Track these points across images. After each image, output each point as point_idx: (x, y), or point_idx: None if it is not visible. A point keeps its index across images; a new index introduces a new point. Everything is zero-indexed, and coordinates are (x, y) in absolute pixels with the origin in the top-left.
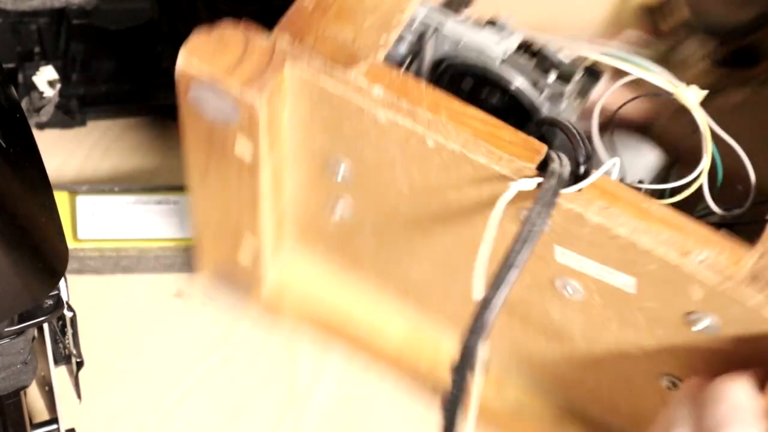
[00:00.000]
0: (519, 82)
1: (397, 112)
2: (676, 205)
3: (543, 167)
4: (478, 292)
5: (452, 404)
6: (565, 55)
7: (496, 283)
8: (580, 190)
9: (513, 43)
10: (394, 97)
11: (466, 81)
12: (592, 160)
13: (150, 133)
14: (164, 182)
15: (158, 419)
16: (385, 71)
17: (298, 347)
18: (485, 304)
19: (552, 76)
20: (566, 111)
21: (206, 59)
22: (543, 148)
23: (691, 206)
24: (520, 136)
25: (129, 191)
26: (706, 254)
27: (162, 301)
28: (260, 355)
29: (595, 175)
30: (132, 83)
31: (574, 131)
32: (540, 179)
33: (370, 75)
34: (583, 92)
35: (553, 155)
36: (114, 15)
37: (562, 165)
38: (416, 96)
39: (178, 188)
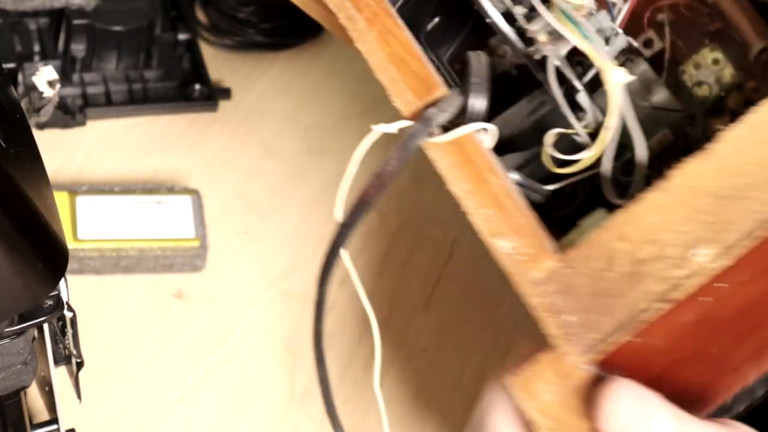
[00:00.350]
0: (493, 14)
1: (340, 11)
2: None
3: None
4: (339, 215)
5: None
6: None
7: (352, 214)
8: (435, 141)
9: None
10: None
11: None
12: (477, 117)
13: (150, 133)
14: (164, 182)
15: (158, 419)
16: None
17: (298, 347)
18: (342, 228)
19: (520, 10)
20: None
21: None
22: (437, 91)
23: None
24: (425, 71)
25: (129, 191)
26: (514, 245)
27: (162, 301)
28: (260, 355)
29: (451, 134)
30: (132, 83)
31: (474, 75)
32: (403, 124)
33: None
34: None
35: (441, 102)
36: (114, 15)
37: (440, 112)
38: (362, 2)
39: (178, 188)
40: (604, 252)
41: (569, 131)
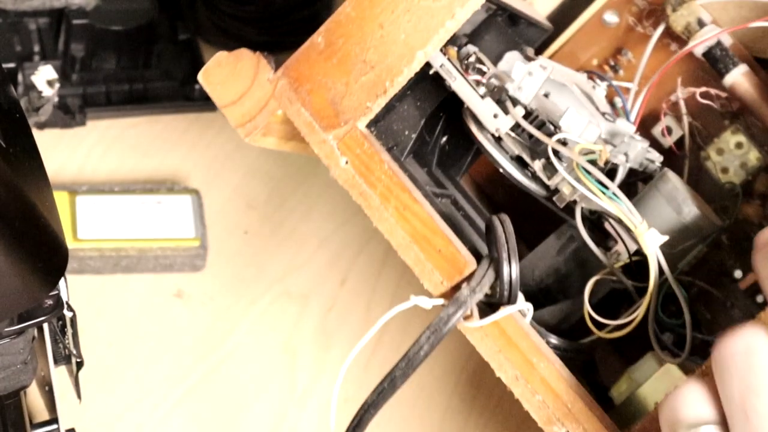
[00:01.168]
0: (506, 165)
1: (352, 188)
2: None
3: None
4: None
5: None
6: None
7: (379, 395)
8: (474, 322)
9: (508, 123)
10: (354, 174)
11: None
12: (513, 289)
13: (150, 133)
14: (164, 182)
15: (158, 419)
16: (359, 142)
17: (298, 347)
18: (367, 408)
19: (538, 164)
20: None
21: (219, 83)
22: (467, 269)
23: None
24: (451, 249)
25: (129, 191)
26: (566, 430)
27: (162, 301)
28: (260, 355)
29: (490, 319)
30: (132, 83)
31: (501, 245)
32: (438, 302)
33: (342, 144)
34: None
35: (471, 282)
36: (114, 15)
37: (473, 293)
38: (374, 178)
39: (178, 188)
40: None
41: (608, 276)
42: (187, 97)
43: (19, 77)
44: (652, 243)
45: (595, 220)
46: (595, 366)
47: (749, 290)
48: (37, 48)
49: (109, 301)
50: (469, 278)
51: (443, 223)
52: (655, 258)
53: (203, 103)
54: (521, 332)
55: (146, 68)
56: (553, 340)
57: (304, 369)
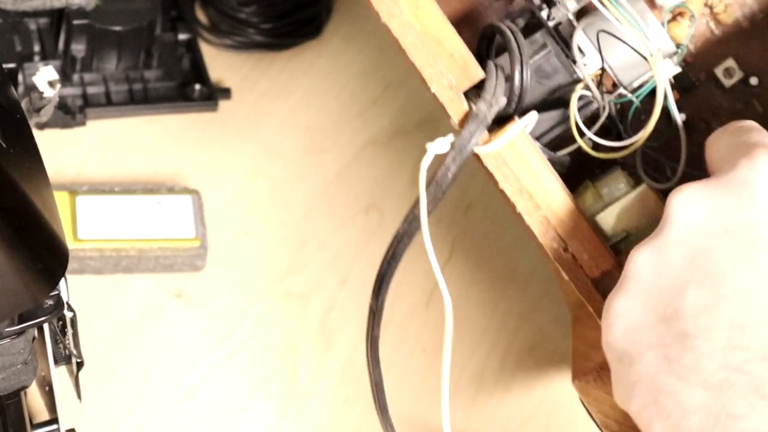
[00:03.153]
0: None
1: None
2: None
3: (481, 86)
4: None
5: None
6: None
7: (409, 224)
8: (491, 144)
9: None
10: None
11: None
12: (522, 94)
13: (150, 133)
14: (164, 182)
15: (158, 419)
16: None
17: (298, 347)
18: (400, 238)
19: None
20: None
21: None
22: (477, 77)
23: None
24: (464, 54)
25: (129, 191)
26: (570, 247)
27: (162, 301)
28: (260, 355)
29: (510, 134)
30: (132, 83)
31: (516, 56)
32: (451, 139)
33: None
34: None
35: (484, 94)
36: (114, 15)
37: (490, 106)
38: None
39: (178, 188)
40: None
41: (585, 92)
42: (187, 97)
43: (20, 77)
44: (664, 72)
45: (565, 38)
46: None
47: None
48: (37, 48)
49: (109, 301)
50: (477, 87)
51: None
52: (662, 87)
53: (203, 103)
54: (530, 146)
55: (146, 68)
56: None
57: (304, 369)
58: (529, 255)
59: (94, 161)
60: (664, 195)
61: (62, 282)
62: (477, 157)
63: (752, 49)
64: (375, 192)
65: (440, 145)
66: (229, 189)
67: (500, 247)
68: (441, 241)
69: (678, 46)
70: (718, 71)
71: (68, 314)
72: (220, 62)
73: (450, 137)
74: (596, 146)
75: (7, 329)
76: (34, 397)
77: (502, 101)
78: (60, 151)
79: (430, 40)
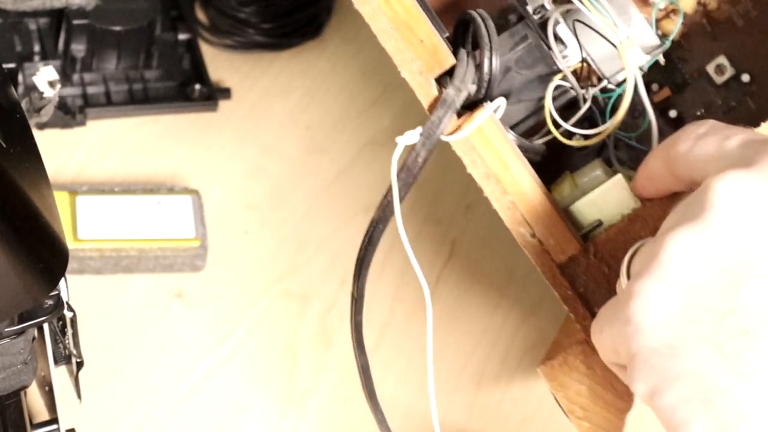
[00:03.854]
0: None
1: None
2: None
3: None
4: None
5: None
6: None
7: (383, 210)
8: (459, 132)
9: None
10: None
11: None
12: (491, 81)
13: (150, 133)
14: (164, 182)
15: (158, 419)
16: None
17: (298, 347)
18: (375, 224)
19: None
20: None
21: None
22: (448, 63)
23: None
24: (434, 40)
25: (129, 191)
26: (536, 233)
27: (162, 301)
28: (260, 355)
29: (478, 120)
30: (132, 83)
31: (485, 43)
32: (419, 131)
33: None
34: None
35: (454, 80)
36: (114, 15)
37: (458, 92)
38: None
39: (178, 188)
40: (630, 243)
41: (564, 83)
42: (187, 97)
43: (20, 77)
44: (633, 60)
45: (543, 27)
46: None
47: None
48: (37, 48)
49: (109, 301)
50: (448, 73)
51: (425, 14)
52: (632, 74)
53: (203, 103)
54: (497, 131)
55: (146, 68)
56: (511, 136)
57: (304, 369)
58: None
59: (94, 161)
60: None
61: (62, 282)
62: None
63: (744, 46)
64: (375, 192)
65: (409, 137)
66: (229, 189)
67: (500, 247)
68: (441, 241)
69: (662, 38)
70: (710, 68)
71: (68, 314)
72: (220, 62)
73: (418, 129)
74: (570, 135)
75: (7, 329)
76: (34, 397)
77: (472, 88)
78: (60, 151)
79: (400, 25)
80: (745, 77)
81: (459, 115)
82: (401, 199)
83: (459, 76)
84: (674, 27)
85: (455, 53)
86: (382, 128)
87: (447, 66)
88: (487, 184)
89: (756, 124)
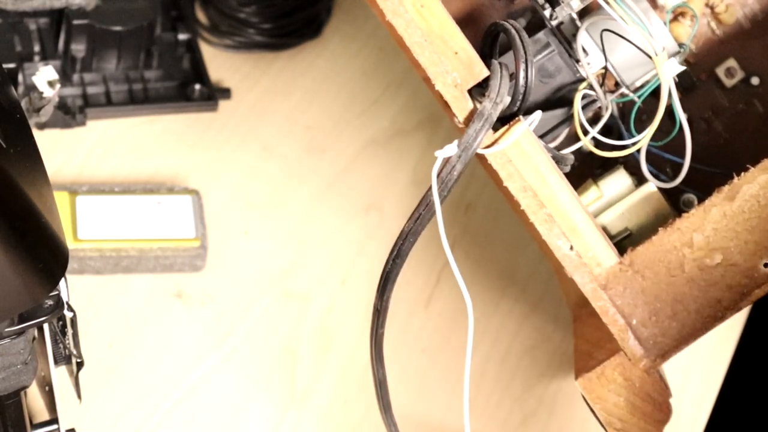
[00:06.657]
0: None
1: None
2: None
3: (484, 84)
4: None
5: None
6: None
7: (415, 222)
8: (497, 145)
9: None
10: None
11: None
12: (526, 93)
13: (150, 133)
14: (164, 182)
15: (158, 419)
16: None
17: (298, 347)
18: (406, 236)
19: None
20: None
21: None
22: (482, 75)
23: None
24: (469, 52)
25: (129, 191)
26: (574, 246)
27: (162, 301)
28: (260, 355)
29: (516, 133)
30: (132, 83)
31: (520, 55)
32: (455, 146)
33: None
34: None
35: (489, 93)
36: (114, 15)
37: (495, 105)
38: None
39: (178, 188)
40: (671, 256)
41: (588, 91)
42: (187, 97)
43: (20, 77)
44: (669, 71)
45: (568, 38)
46: None
47: None
48: (37, 48)
49: (109, 301)
50: (481, 85)
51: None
52: (667, 86)
53: (203, 103)
54: (534, 144)
55: (146, 68)
56: (545, 148)
57: (304, 369)
58: (529, 255)
59: (94, 161)
60: (664, 193)
61: (62, 282)
62: (478, 155)
63: (753, 49)
64: (375, 192)
65: (448, 151)
66: (229, 189)
67: (500, 247)
68: (441, 241)
69: (680, 45)
70: (720, 71)
71: (68, 314)
72: (220, 62)
73: (455, 142)
74: (600, 145)
75: (7, 329)
76: (34, 397)
77: (507, 100)
78: (60, 151)
79: (435, 38)
80: (755, 80)
81: (493, 128)
82: (434, 212)
83: (494, 89)
84: (684, 30)
85: (487, 64)
86: (382, 128)
87: (480, 78)
88: (524, 197)
89: (764, 126)
